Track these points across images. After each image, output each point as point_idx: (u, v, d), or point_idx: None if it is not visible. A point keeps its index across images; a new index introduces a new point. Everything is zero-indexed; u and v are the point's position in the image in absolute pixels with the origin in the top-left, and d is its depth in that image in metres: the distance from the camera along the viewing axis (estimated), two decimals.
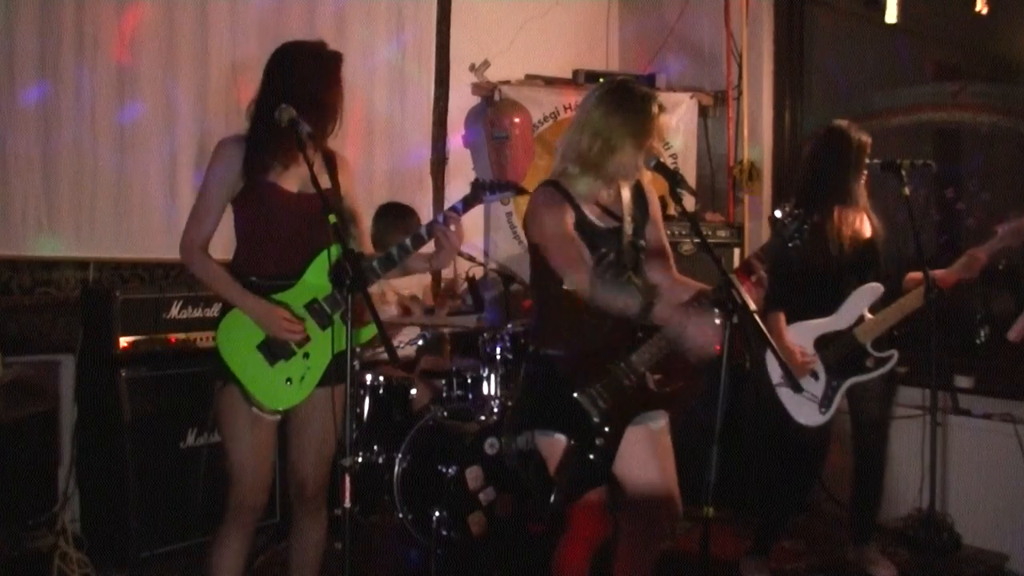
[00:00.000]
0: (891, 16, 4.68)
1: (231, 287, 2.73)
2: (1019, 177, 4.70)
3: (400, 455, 3.97)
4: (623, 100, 2.76)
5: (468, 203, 2.83)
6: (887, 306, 3.69)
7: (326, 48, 2.80)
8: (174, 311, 4.02)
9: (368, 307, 2.57)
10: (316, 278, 2.76)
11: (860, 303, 3.71)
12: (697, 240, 2.95)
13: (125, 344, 3.90)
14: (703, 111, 5.78)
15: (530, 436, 2.80)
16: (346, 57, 5.05)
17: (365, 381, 4.17)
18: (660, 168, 2.73)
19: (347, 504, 2.52)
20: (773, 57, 5.53)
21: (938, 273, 3.59)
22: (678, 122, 5.67)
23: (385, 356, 3.99)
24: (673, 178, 2.70)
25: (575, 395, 2.72)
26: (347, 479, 2.50)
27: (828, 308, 3.72)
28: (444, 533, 3.77)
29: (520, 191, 2.86)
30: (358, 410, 4.16)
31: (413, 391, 4.27)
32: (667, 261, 2.97)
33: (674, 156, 5.67)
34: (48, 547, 3.62)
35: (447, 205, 5.52)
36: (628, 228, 2.85)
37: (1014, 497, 4.17)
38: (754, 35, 5.50)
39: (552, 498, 2.78)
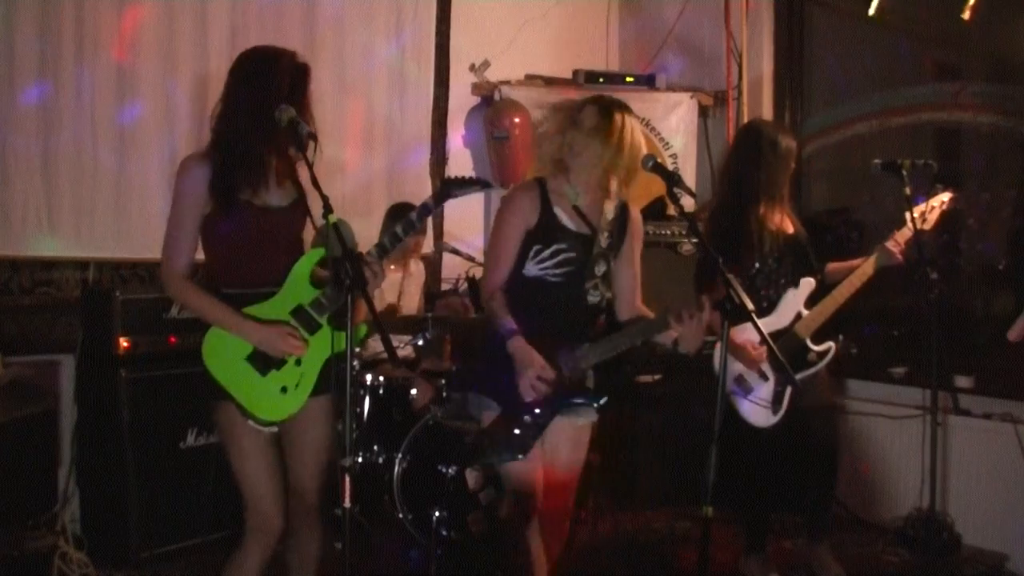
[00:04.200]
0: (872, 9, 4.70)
1: (225, 315, 2.64)
2: (1019, 177, 4.70)
3: (400, 455, 3.97)
4: (594, 120, 2.94)
5: (439, 200, 2.89)
6: (820, 300, 3.69)
7: (298, 59, 2.71)
8: (174, 311, 4.01)
9: (368, 306, 2.57)
10: (297, 286, 2.73)
11: (796, 300, 3.70)
12: (695, 240, 2.97)
13: (125, 344, 3.89)
14: (703, 111, 5.78)
15: (471, 397, 3.03)
16: (346, 57, 5.16)
17: (365, 381, 4.18)
18: (658, 169, 2.80)
19: (347, 504, 2.52)
20: (773, 57, 5.53)
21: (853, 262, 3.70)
22: (678, 122, 5.67)
23: (385, 356, 3.99)
24: (671, 179, 2.76)
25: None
26: (347, 479, 2.50)
27: (765, 308, 3.64)
28: (444, 533, 3.78)
29: (486, 186, 2.99)
30: (358, 410, 4.16)
31: (413, 391, 4.27)
32: (635, 288, 3.14)
33: (674, 156, 5.67)
34: (48, 547, 3.62)
35: (446, 205, 5.57)
36: (603, 240, 3.00)
37: (1014, 497, 4.17)
38: (754, 35, 5.50)
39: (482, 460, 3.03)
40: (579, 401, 2.99)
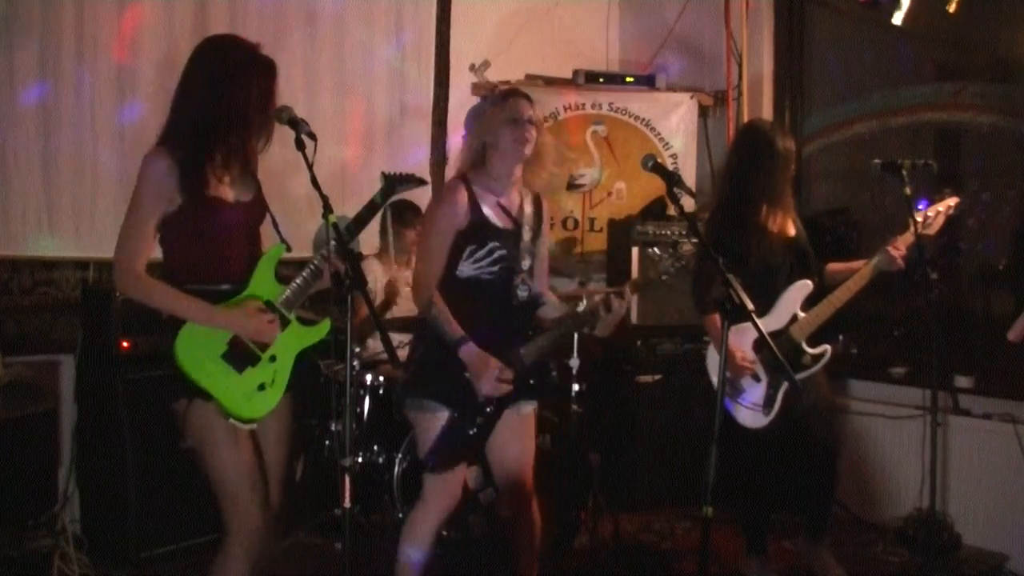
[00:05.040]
0: (898, 18, 4.69)
1: (193, 305, 2.58)
2: (1019, 177, 4.70)
3: (400, 455, 3.97)
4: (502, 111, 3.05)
5: (385, 195, 2.92)
6: (817, 303, 3.67)
7: (264, 53, 2.72)
8: None
9: (367, 306, 2.62)
10: (263, 282, 2.72)
11: (792, 301, 3.68)
12: (695, 240, 2.98)
13: (125, 344, 3.89)
14: (703, 111, 5.78)
15: (417, 401, 3.04)
16: (346, 57, 5.16)
17: (365, 381, 4.18)
18: (657, 169, 2.81)
19: (347, 504, 2.51)
20: (773, 57, 5.53)
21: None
22: (678, 122, 5.67)
23: (385, 356, 3.99)
24: (671, 179, 2.77)
25: (467, 374, 2.97)
26: (347, 479, 2.50)
27: (762, 309, 3.56)
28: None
29: (422, 182, 3.10)
30: (358, 410, 4.16)
31: None
32: (545, 276, 3.28)
33: (674, 156, 5.67)
34: (48, 547, 3.62)
35: None
36: (526, 235, 3.12)
37: (1014, 497, 4.17)
38: (754, 35, 5.50)
39: (427, 467, 3.05)
40: (524, 399, 3.13)
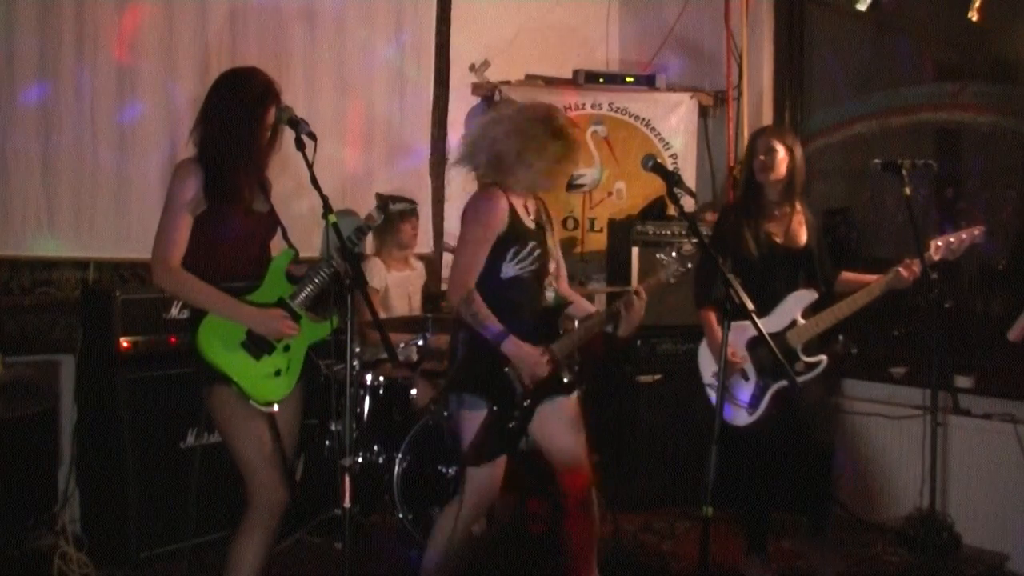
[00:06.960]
0: (863, 5, 4.73)
1: (223, 300, 2.80)
2: (1019, 177, 4.70)
3: (400, 455, 3.97)
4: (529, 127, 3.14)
5: (381, 211, 3.09)
6: (820, 311, 3.67)
7: (275, 84, 2.90)
8: (174, 311, 4.01)
9: (368, 306, 2.70)
10: (275, 281, 2.93)
11: (793, 307, 3.68)
12: (695, 240, 2.99)
13: (125, 344, 3.89)
14: (703, 111, 5.78)
15: (459, 398, 3.13)
16: (346, 57, 5.16)
17: (365, 381, 4.18)
18: (657, 169, 2.83)
19: (347, 504, 2.53)
20: (773, 57, 5.53)
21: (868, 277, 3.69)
22: (678, 122, 5.67)
23: (385, 356, 4.00)
24: (671, 178, 2.79)
25: (506, 369, 3.08)
26: (347, 479, 2.52)
27: (758, 312, 3.55)
28: None
29: (412, 203, 3.43)
30: (358, 410, 4.16)
31: (413, 391, 4.27)
32: (565, 277, 3.42)
33: (674, 156, 5.67)
34: (48, 547, 3.63)
35: (447, 205, 5.60)
36: (548, 237, 3.26)
37: (1014, 497, 4.17)
38: (754, 35, 5.50)
39: (464, 460, 3.15)
40: (561, 394, 3.22)
